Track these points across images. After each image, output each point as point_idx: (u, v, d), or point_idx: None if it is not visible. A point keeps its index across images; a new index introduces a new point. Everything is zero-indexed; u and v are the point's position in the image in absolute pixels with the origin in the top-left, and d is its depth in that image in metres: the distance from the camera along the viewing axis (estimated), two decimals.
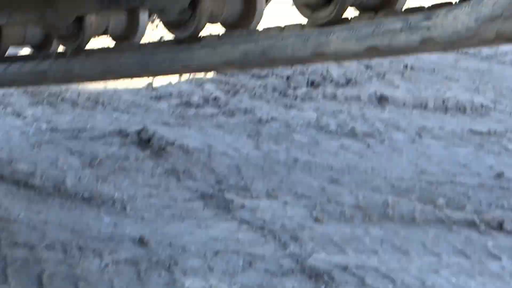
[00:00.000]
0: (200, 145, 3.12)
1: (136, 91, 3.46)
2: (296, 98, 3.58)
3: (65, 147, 3.04)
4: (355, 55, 1.57)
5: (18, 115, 3.19)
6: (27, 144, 3.05)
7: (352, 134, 3.35)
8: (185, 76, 3.65)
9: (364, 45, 1.47)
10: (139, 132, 3.08)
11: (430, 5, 1.39)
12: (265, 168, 3.07)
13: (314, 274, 2.17)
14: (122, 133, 3.10)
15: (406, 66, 3.93)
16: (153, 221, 2.53)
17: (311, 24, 1.62)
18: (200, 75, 3.68)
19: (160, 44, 2.07)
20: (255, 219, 2.56)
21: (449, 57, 4.20)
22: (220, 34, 1.86)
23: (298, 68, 3.76)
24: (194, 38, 1.86)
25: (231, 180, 2.96)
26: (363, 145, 3.28)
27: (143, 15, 2.10)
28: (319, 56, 1.60)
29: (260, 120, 3.35)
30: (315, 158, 3.15)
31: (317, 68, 3.76)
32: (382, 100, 3.66)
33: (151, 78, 3.38)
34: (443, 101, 3.65)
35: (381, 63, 3.94)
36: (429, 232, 2.56)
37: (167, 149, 3.04)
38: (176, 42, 1.94)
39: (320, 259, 2.27)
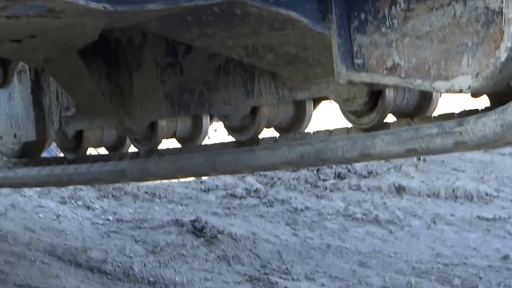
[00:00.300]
0: (246, 232, 3.58)
1: (187, 184, 3.94)
2: (325, 189, 4.08)
3: (131, 236, 3.50)
4: (397, 156, 1.79)
5: (88, 207, 3.66)
6: (97, 233, 3.51)
7: (376, 221, 3.82)
8: None
9: (405, 148, 1.64)
10: (193, 222, 3.54)
11: (460, 111, 1.63)
12: (303, 253, 3.52)
13: None
14: (178, 223, 3.56)
15: (419, 159, 4.44)
16: None
17: (357, 128, 1.84)
18: None
19: (224, 145, 2.23)
20: None
21: None
22: (277, 137, 2.06)
23: None
24: (254, 141, 2.08)
25: (274, 264, 3.41)
26: (386, 231, 3.75)
27: (205, 120, 2.35)
28: (366, 157, 1.78)
29: (295, 209, 3.83)
30: (345, 243, 3.61)
31: None
32: (400, 190, 4.16)
33: None
34: (453, 190, 4.16)
35: None
36: None
37: (218, 236, 3.50)
38: (238, 144, 2.14)
39: None
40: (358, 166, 4.21)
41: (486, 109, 1.59)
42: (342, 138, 1.83)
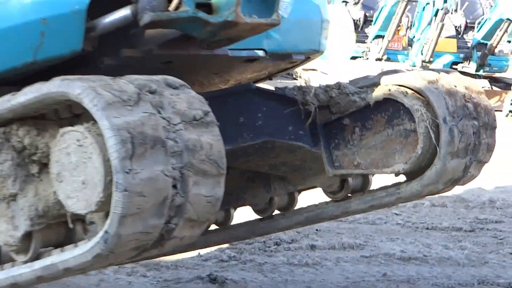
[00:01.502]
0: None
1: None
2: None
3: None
4: (363, 211, 3.25)
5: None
6: None
7: None
8: None
9: (368, 205, 3.04)
10: (209, 275, 4.48)
11: (390, 184, 2.93)
12: None
13: None
14: (200, 278, 4.26)
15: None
16: None
17: (333, 200, 3.19)
18: None
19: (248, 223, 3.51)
20: None
21: None
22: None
23: None
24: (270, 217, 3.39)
25: None
26: None
27: (232, 210, 3.50)
28: (345, 214, 3.25)
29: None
30: None
31: None
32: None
33: None
34: None
35: None
36: None
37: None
38: (260, 220, 3.41)
39: None
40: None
41: (406, 181, 2.93)
42: (330, 205, 3.19)
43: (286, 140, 2.81)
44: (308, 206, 3.33)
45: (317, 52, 2.94)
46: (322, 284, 4.26)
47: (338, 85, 2.86)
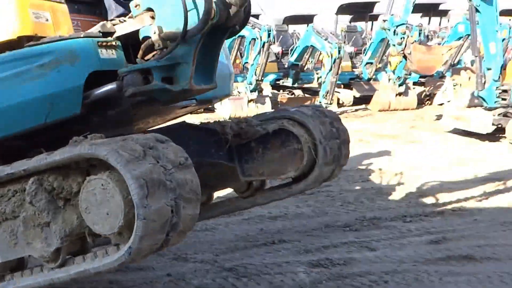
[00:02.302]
0: None
1: None
2: None
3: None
4: (259, 204, 3.98)
5: None
6: None
7: None
8: None
9: (268, 200, 3.85)
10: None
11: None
12: None
13: None
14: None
15: None
16: None
17: (240, 197, 3.92)
18: None
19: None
20: None
21: None
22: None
23: None
24: None
25: None
26: None
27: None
28: (254, 204, 3.97)
29: None
30: None
31: None
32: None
33: None
34: None
35: None
36: None
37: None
38: None
39: None
40: None
41: (295, 182, 3.71)
42: (242, 200, 3.94)
43: (211, 159, 3.48)
44: (224, 200, 4.06)
45: (228, 95, 3.62)
46: (220, 241, 5.07)
47: (246, 119, 3.57)
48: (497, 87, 9.97)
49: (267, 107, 12.87)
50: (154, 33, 2.60)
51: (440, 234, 5.18)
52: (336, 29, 20.45)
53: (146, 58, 2.69)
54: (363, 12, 21.11)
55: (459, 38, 14.38)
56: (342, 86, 15.74)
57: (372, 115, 13.88)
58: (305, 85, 16.16)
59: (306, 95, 15.57)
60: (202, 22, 2.54)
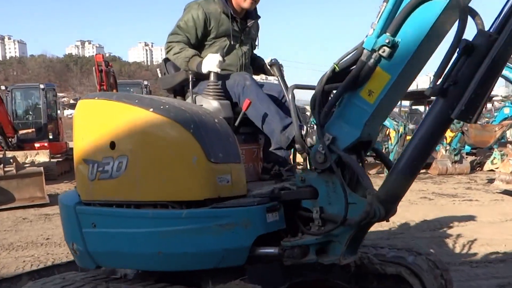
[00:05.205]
0: None
1: None
2: None
3: None
4: None
5: None
6: None
7: None
8: None
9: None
10: None
11: None
12: None
13: None
14: None
15: None
16: None
17: None
18: None
19: None
20: None
21: None
22: None
23: None
24: None
25: None
26: None
27: None
28: None
29: None
30: None
31: None
32: None
33: None
34: None
35: None
36: None
37: None
38: None
39: None
40: None
41: None
42: None
43: (334, 279, 2.83)
44: None
45: None
46: None
47: (368, 257, 2.92)
48: None
49: None
50: (316, 212, 2.34)
51: (506, 279, 4.51)
52: (399, 111, 20.12)
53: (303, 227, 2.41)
54: (421, 98, 20.55)
55: (505, 118, 13.73)
56: None
57: (432, 178, 13.08)
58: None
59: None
60: (360, 219, 2.23)
